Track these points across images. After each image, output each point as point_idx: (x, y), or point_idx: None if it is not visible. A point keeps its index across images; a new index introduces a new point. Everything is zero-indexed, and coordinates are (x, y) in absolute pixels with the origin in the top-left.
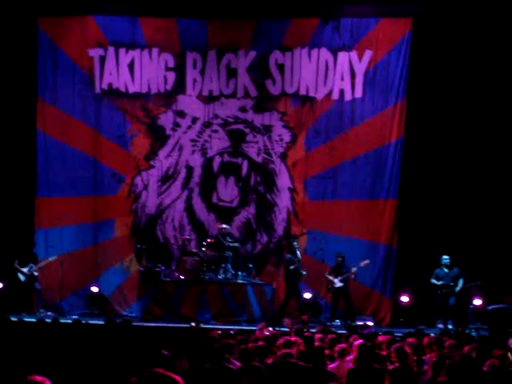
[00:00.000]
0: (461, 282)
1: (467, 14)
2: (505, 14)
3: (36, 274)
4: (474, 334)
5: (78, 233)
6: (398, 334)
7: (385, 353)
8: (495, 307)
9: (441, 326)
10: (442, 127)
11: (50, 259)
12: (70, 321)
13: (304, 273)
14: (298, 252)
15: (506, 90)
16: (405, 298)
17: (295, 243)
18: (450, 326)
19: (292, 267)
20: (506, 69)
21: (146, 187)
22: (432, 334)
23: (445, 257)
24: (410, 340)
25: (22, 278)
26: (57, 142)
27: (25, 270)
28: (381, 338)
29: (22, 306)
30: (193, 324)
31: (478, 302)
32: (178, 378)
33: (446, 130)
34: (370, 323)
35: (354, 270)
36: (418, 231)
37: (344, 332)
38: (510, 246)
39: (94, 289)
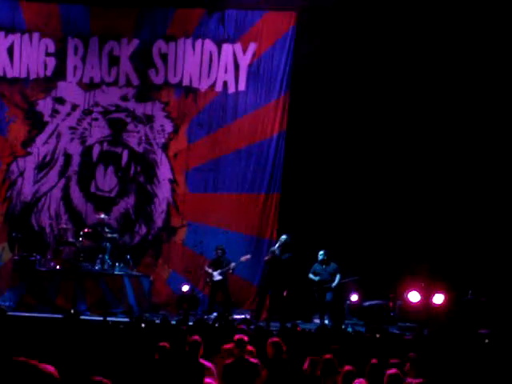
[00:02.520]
0: (338, 278)
1: (352, 8)
2: (389, 8)
3: None
4: (349, 329)
5: None
6: (274, 329)
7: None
8: (371, 303)
9: (317, 320)
10: (324, 121)
11: None
12: None
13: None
14: (277, 244)
15: (387, 84)
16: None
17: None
18: (326, 321)
19: (265, 258)
20: (387, 63)
21: (21, 174)
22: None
23: (321, 252)
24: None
25: None
26: None
27: None
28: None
29: None
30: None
31: (354, 297)
32: (49, 367)
33: (328, 124)
34: (248, 317)
35: (232, 264)
36: (297, 225)
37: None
38: (386, 241)
39: None
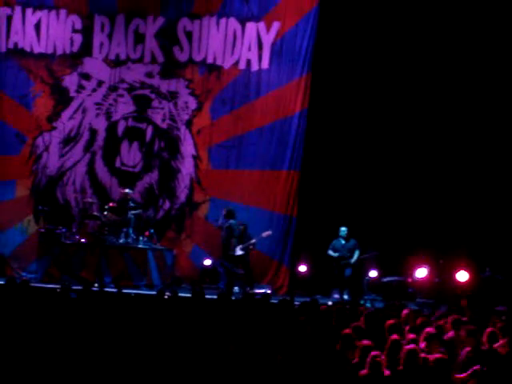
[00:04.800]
0: (357, 254)
1: None
2: None
3: None
4: (368, 304)
5: None
6: (295, 303)
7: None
8: (390, 279)
9: (336, 296)
10: (345, 100)
11: None
12: None
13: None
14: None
15: (407, 64)
16: (302, 268)
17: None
18: (345, 297)
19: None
20: (409, 43)
21: (47, 148)
22: (330, 303)
23: (342, 228)
24: None
25: None
26: None
27: None
28: None
29: None
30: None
31: (373, 273)
32: None
33: (349, 103)
34: (269, 291)
35: (253, 240)
36: (318, 202)
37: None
38: (405, 218)
39: None
